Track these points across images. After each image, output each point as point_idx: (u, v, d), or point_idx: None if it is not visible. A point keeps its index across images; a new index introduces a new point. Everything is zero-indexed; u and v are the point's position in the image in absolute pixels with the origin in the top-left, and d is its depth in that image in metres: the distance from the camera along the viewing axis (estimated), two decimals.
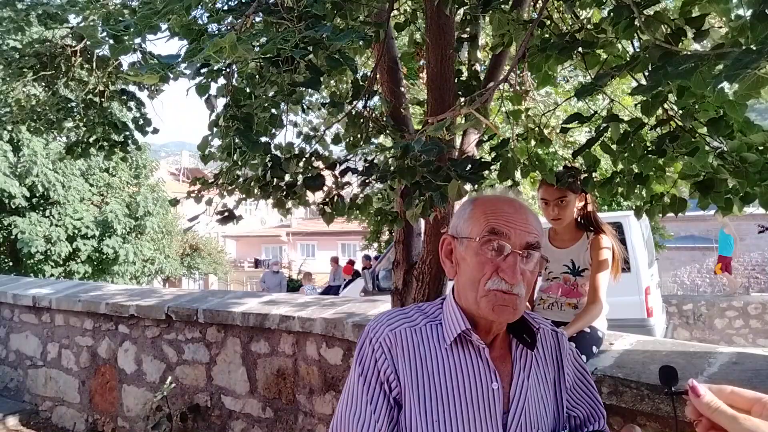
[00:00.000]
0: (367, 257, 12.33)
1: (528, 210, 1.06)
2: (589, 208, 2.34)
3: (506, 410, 1.01)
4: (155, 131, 3.92)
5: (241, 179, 2.28)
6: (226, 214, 2.34)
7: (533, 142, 2.18)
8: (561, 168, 2.33)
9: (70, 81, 3.45)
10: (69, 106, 3.62)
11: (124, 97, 3.83)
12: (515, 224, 1.01)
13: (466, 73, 2.67)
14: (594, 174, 2.04)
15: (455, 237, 1.08)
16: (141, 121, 3.85)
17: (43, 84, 3.61)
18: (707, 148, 1.68)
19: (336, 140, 2.57)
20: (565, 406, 1.10)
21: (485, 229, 1.01)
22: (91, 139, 3.63)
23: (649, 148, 1.78)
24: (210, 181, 2.37)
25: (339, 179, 2.28)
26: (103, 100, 3.61)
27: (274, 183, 2.19)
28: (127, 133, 3.79)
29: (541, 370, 1.08)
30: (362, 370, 1.02)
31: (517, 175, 2.08)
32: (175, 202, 2.33)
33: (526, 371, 1.05)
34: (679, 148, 1.63)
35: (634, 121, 1.77)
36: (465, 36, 2.59)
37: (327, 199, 2.32)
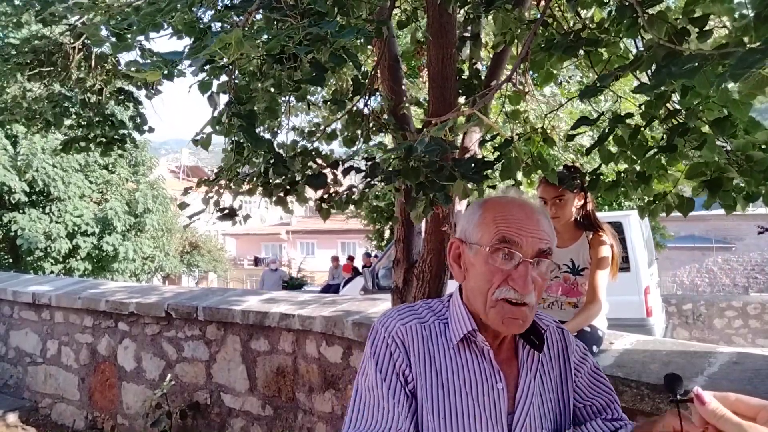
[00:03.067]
0: (367, 255, 12.33)
1: (540, 213, 1.02)
2: (589, 207, 2.34)
3: (511, 411, 1.01)
4: (151, 130, 3.92)
5: (242, 176, 2.28)
6: (226, 211, 2.33)
7: (537, 142, 2.18)
8: (562, 168, 2.33)
9: (68, 79, 3.43)
10: (66, 104, 3.62)
11: (122, 96, 3.83)
12: (527, 231, 0.98)
13: (467, 72, 2.66)
14: (600, 175, 2.04)
15: (464, 241, 1.05)
16: (138, 120, 3.85)
17: (41, 81, 3.60)
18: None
19: (332, 136, 2.55)
20: (571, 403, 1.10)
21: (495, 237, 0.98)
22: (89, 136, 3.63)
23: (659, 144, 1.77)
24: (211, 179, 2.36)
25: (341, 178, 2.27)
26: (100, 98, 3.60)
27: (276, 181, 2.19)
28: (124, 131, 3.80)
29: (546, 370, 1.08)
30: (377, 362, 1.01)
31: (519, 174, 2.07)
32: (183, 206, 2.32)
33: (532, 372, 1.05)
34: (690, 142, 1.62)
35: (645, 114, 1.77)
36: (467, 35, 2.58)
37: (326, 196, 2.31)
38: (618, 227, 5.61)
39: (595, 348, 2.18)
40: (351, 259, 14.26)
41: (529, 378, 1.04)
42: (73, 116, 3.66)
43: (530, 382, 1.03)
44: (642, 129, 1.74)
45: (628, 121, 1.76)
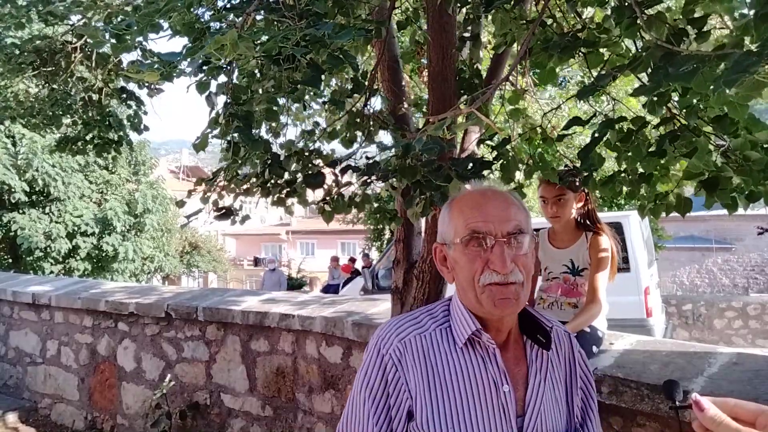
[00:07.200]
0: (366, 255, 12.36)
1: (505, 196, 1.05)
2: (589, 207, 2.34)
3: (521, 414, 1.00)
4: (146, 128, 3.94)
5: (240, 177, 2.27)
6: (223, 211, 2.33)
7: (536, 142, 2.18)
8: (563, 167, 2.33)
9: (69, 78, 3.44)
10: (67, 102, 3.63)
11: (124, 95, 3.84)
12: (493, 215, 1.00)
13: (467, 72, 2.66)
14: (594, 173, 2.03)
15: (444, 243, 1.08)
16: (136, 120, 3.87)
17: (43, 81, 3.61)
18: (711, 146, 1.67)
19: (332, 135, 2.55)
20: (576, 408, 1.08)
21: (465, 230, 1.01)
22: (87, 137, 3.64)
23: (651, 149, 1.77)
24: (210, 179, 2.36)
25: (339, 178, 2.27)
26: (102, 97, 3.61)
27: (274, 181, 2.19)
28: (122, 132, 3.82)
29: (555, 372, 1.07)
30: (368, 382, 1.01)
31: (520, 175, 2.07)
32: (181, 204, 2.32)
33: (542, 373, 1.04)
34: (680, 148, 1.63)
35: (637, 119, 1.77)
36: (467, 35, 2.58)
37: (327, 198, 2.31)
38: (618, 228, 5.60)
39: (594, 348, 2.18)
40: (353, 261, 14.26)
41: (539, 379, 1.02)
42: (74, 115, 3.68)
43: (540, 383, 1.02)
44: (634, 133, 1.74)
45: (621, 124, 1.76)
